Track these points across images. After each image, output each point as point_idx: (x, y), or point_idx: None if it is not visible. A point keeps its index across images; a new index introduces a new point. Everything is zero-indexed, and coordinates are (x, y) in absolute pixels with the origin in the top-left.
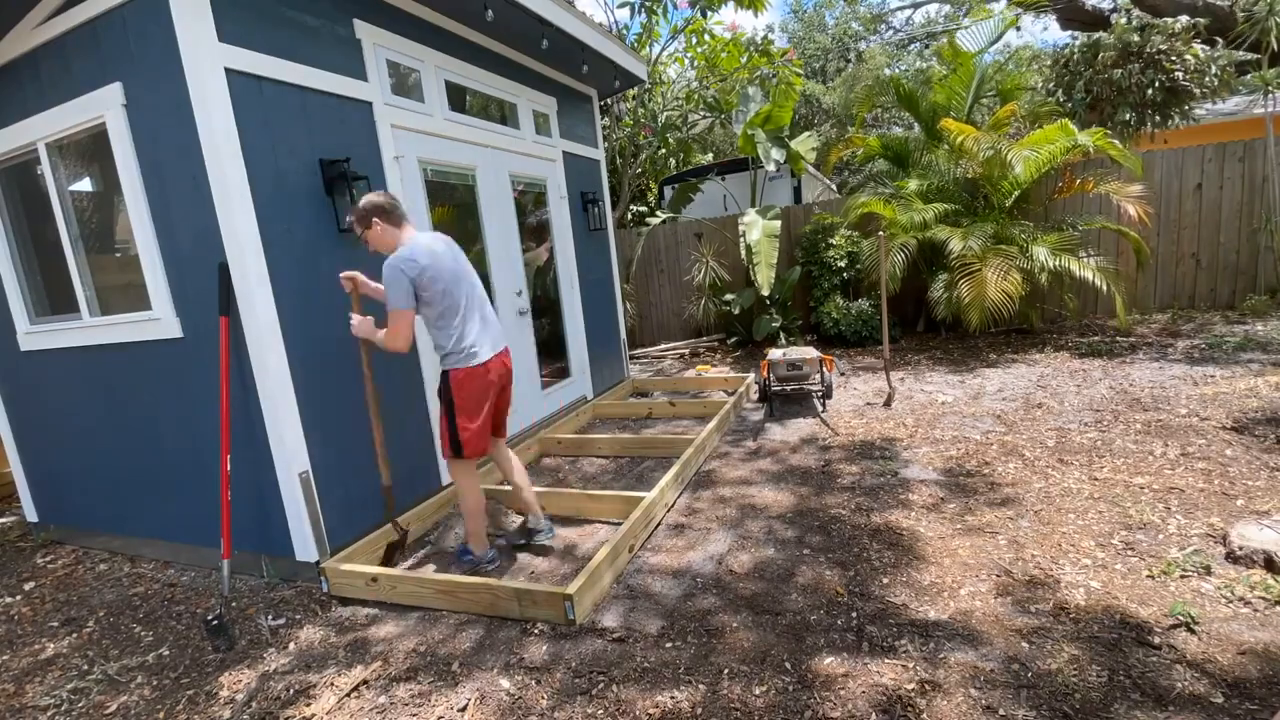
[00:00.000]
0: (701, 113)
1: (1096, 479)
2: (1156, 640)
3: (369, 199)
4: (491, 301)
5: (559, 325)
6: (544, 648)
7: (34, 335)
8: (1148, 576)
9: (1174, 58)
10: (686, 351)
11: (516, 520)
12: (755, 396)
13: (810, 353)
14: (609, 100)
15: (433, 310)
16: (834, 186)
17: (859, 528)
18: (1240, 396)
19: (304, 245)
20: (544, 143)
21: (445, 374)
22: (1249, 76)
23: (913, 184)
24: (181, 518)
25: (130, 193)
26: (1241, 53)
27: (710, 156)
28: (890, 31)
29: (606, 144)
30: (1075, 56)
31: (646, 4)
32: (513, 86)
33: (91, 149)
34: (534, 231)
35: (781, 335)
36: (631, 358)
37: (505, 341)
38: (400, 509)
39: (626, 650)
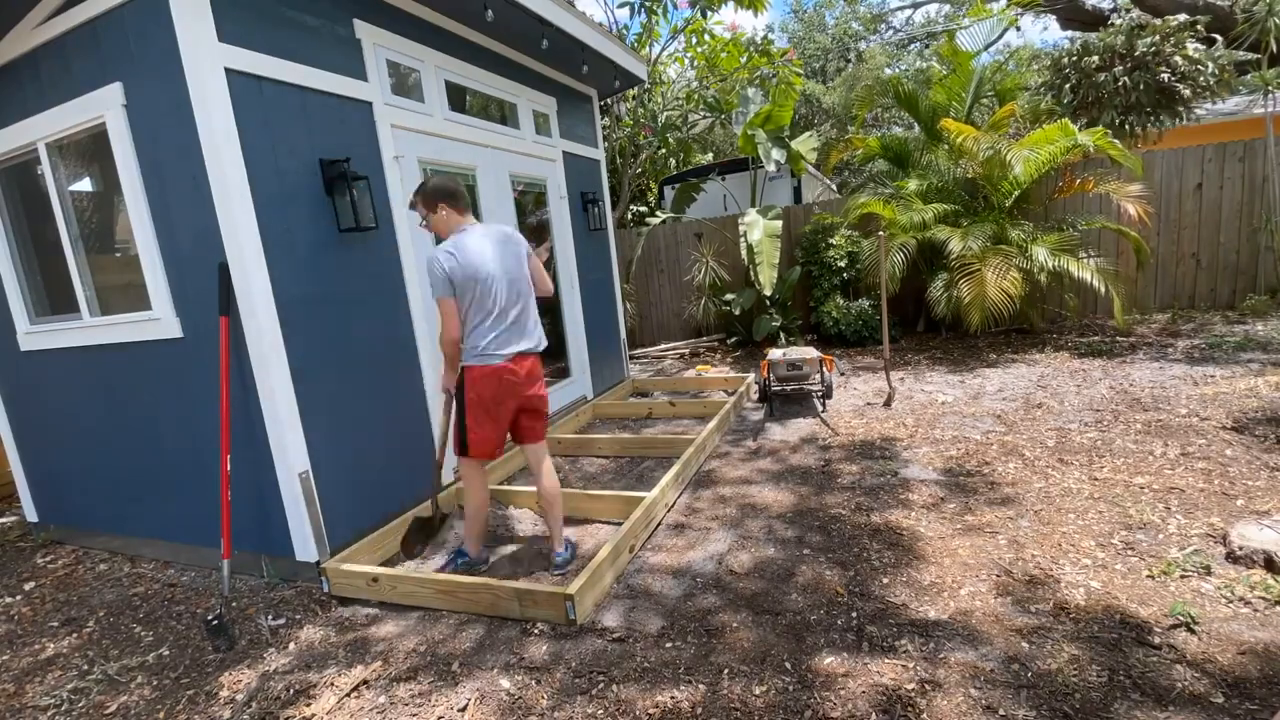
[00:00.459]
0: (701, 113)
1: (1096, 479)
2: (1156, 640)
3: (438, 182)
4: None
5: (559, 325)
6: (544, 647)
7: (34, 335)
8: (1148, 576)
9: (1161, 60)
10: (686, 351)
11: (522, 525)
12: (755, 396)
13: (810, 353)
14: (609, 100)
15: (462, 305)
16: (834, 186)
17: (859, 527)
18: (1240, 396)
19: (304, 245)
20: (544, 143)
21: (463, 370)
22: (1249, 76)
23: (912, 184)
24: (181, 518)
25: (130, 193)
26: (1241, 53)
27: (710, 156)
28: (890, 31)
29: (606, 144)
30: (1065, 60)
31: (646, 4)
32: (513, 86)
33: (91, 149)
34: (534, 231)
35: (781, 335)
36: (631, 358)
37: (537, 347)
38: (404, 509)
39: (627, 650)
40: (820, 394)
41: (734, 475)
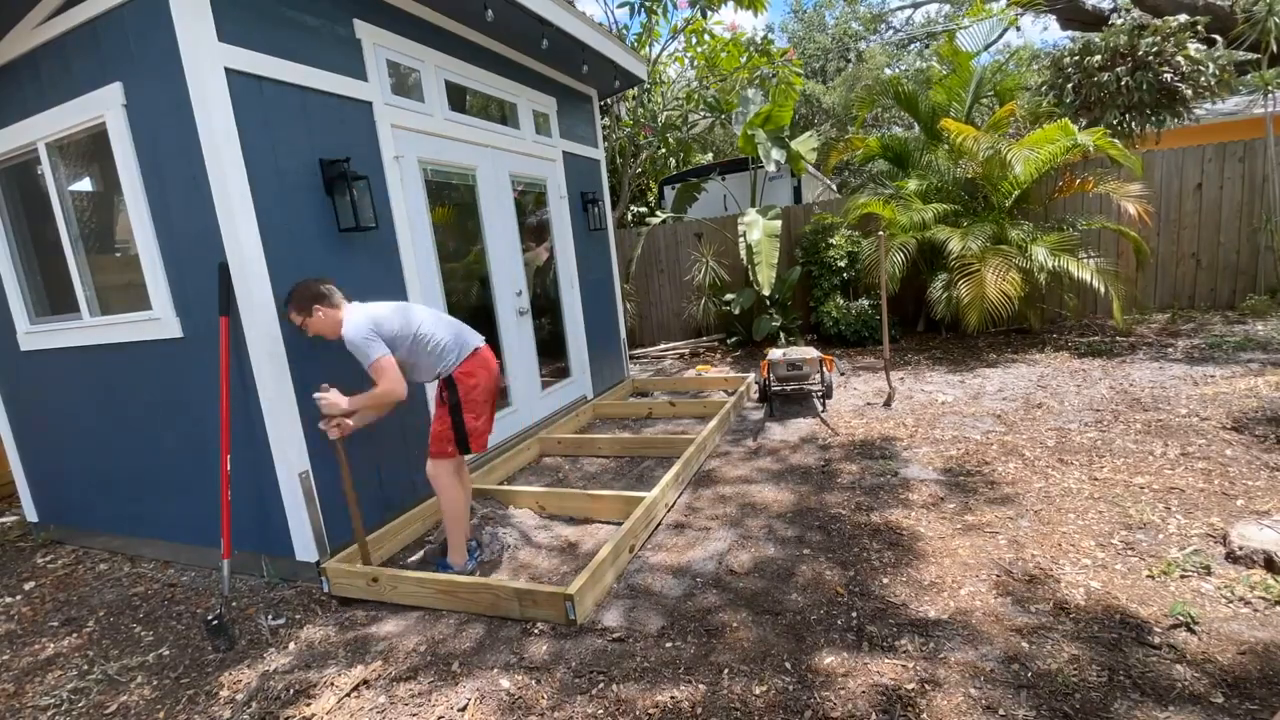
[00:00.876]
0: (701, 113)
1: (1096, 479)
2: (1156, 640)
3: (305, 287)
4: (491, 301)
5: (559, 325)
6: (544, 647)
7: (34, 335)
8: (1148, 576)
9: (1163, 60)
10: (686, 351)
11: (526, 524)
12: (755, 396)
13: (810, 353)
14: (609, 100)
15: (405, 353)
16: (834, 186)
17: (859, 527)
18: (1240, 396)
19: (304, 245)
20: (544, 143)
21: (450, 379)
22: (1249, 76)
23: (912, 184)
24: (181, 518)
25: (130, 193)
26: (1241, 53)
27: (710, 156)
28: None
29: (606, 144)
30: (1067, 59)
31: (646, 4)
32: (513, 86)
33: (91, 149)
34: (534, 231)
35: (781, 335)
36: (631, 358)
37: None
38: (403, 508)
39: (627, 649)
40: (820, 394)
41: (734, 475)
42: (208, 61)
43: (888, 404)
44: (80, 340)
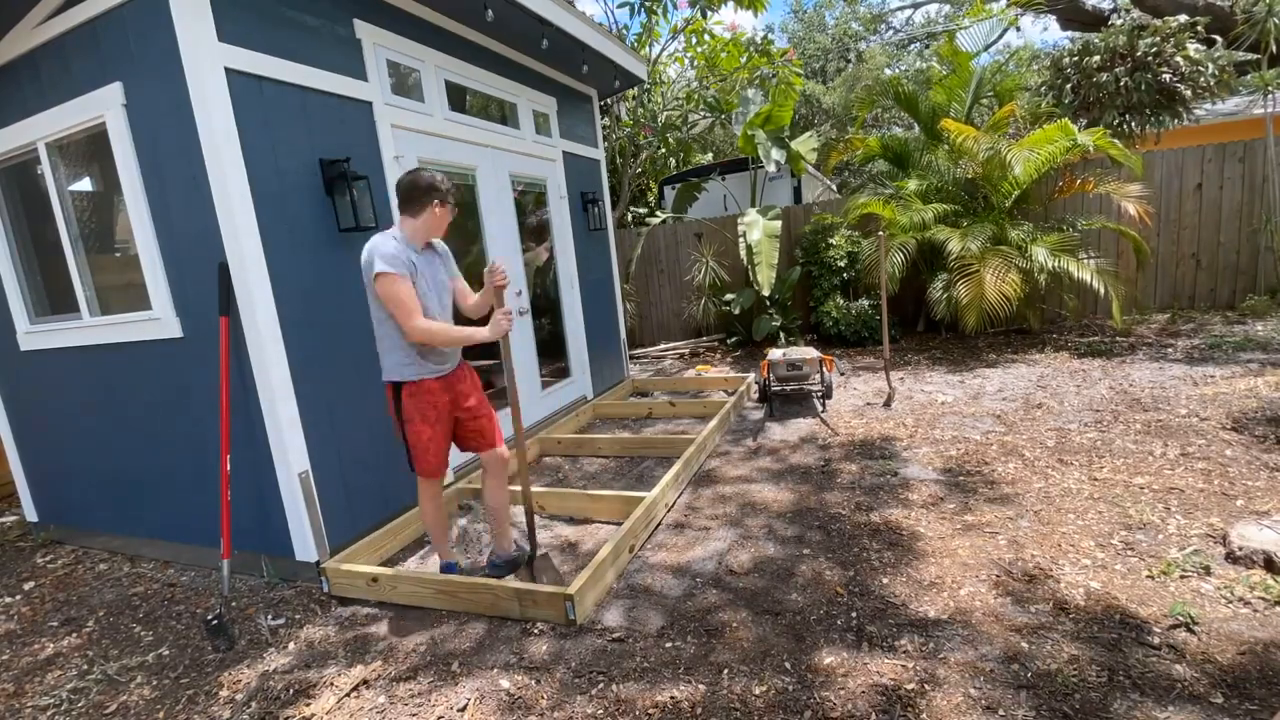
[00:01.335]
0: (701, 113)
1: (1096, 479)
2: (1156, 640)
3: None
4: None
5: (559, 325)
6: (544, 647)
7: (34, 335)
8: (1147, 577)
9: (1162, 60)
10: (686, 351)
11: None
12: (755, 396)
13: (810, 353)
14: (609, 100)
15: None
16: (834, 187)
17: (859, 527)
18: (1240, 396)
19: (304, 245)
20: (544, 143)
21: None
22: (1249, 77)
23: (912, 184)
24: (181, 518)
25: (130, 193)
26: (1241, 53)
27: (710, 156)
28: (890, 32)
29: (606, 144)
30: (1066, 60)
31: (646, 4)
32: (513, 86)
33: (91, 149)
34: (534, 231)
35: (781, 335)
36: (631, 358)
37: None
38: (411, 503)
39: (627, 649)
40: (820, 394)
41: (734, 474)
42: (208, 61)
43: (888, 404)
44: (80, 340)
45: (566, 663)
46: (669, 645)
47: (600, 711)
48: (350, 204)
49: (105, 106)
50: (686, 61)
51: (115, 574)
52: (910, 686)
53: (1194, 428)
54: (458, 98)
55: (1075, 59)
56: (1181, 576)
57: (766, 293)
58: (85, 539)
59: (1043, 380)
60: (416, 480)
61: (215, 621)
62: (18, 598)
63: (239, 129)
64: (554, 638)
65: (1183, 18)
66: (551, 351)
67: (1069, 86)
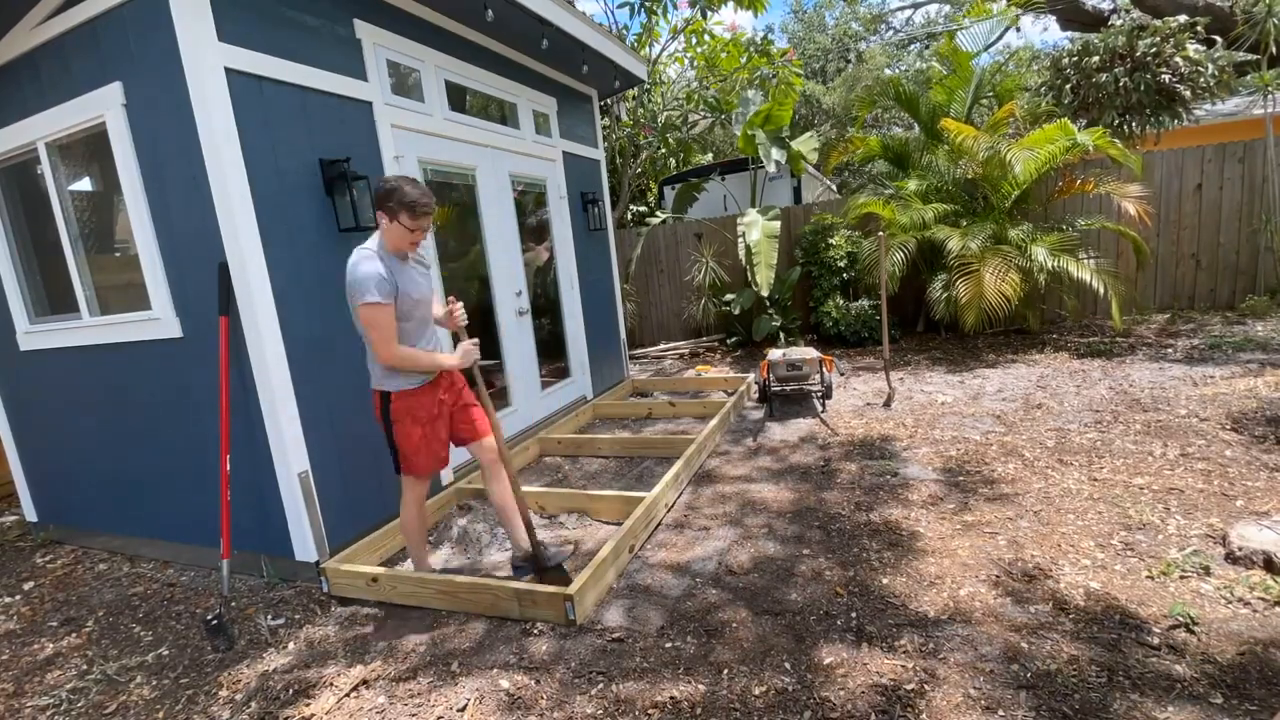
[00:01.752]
0: (701, 113)
1: (1096, 479)
2: (1156, 640)
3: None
4: (491, 301)
5: (559, 325)
6: (544, 647)
7: (34, 335)
8: (1147, 577)
9: (1162, 61)
10: (686, 351)
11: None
12: (755, 396)
13: (810, 353)
14: (609, 100)
15: None
16: (834, 187)
17: (859, 526)
18: (1239, 397)
19: (304, 245)
20: (544, 143)
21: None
22: (1249, 77)
23: (912, 184)
24: (181, 518)
25: (130, 193)
26: (1241, 54)
27: (710, 156)
28: (890, 32)
29: (606, 144)
30: (1066, 60)
31: (646, 4)
32: (513, 86)
33: (91, 149)
34: (534, 231)
35: (781, 335)
36: (631, 358)
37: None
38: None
39: (626, 649)
40: (820, 394)
41: (734, 474)
42: (208, 61)
43: (887, 404)
44: (80, 340)
45: (566, 662)
46: (669, 645)
47: (600, 711)
48: (350, 204)
49: (105, 106)
50: (686, 62)
51: (115, 574)
52: (910, 686)
53: (1194, 428)
54: (458, 98)
55: (1075, 59)
56: (1181, 577)
57: (765, 293)
58: (85, 539)
59: (1042, 380)
60: (401, 483)
61: (215, 621)
62: (17, 598)
63: (239, 129)
64: (554, 638)
65: (1182, 18)
66: (551, 351)
67: (1069, 87)
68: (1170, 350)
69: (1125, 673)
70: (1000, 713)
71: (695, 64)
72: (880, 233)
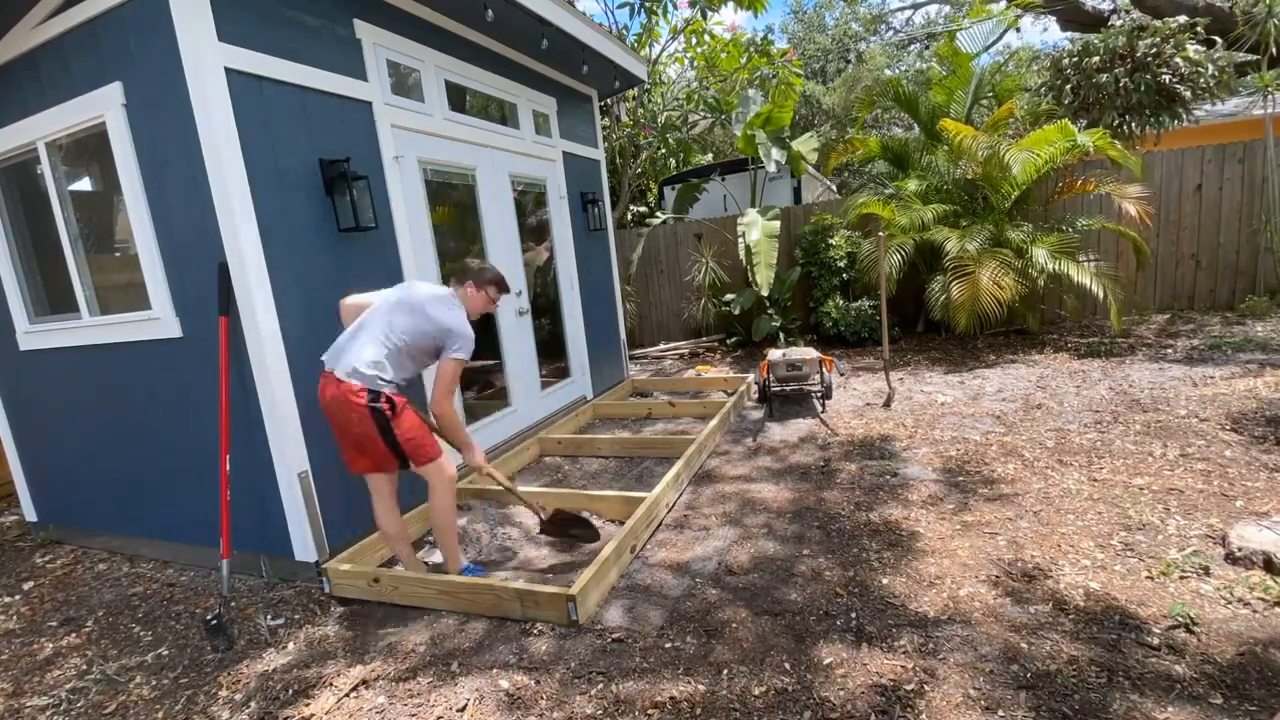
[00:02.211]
0: (701, 113)
1: (1096, 480)
2: (1155, 641)
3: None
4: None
5: (559, 325)
6: (544, 647)
7: (33, 335)
8: (1147, 577)
9: (1162, 61)
10: (686, 351)
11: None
12: (755, 397)
13: (810, 353)
14: (609, 100)
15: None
16: (834, 187)
17: (858, 526)
18: (1239, 397)
19: (304, 245)
20: (544, 143)
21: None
22: (1249, 78)
23: (912, 185)
24: (181, 518)
25: (130, 193)
26: (1241, 54)
27: (710, 157)
28: (890, 32)
29: (606, 144)
30: (1066, 60)
31: (646, 4)
32: (513, 86)
33: (91, 149)
34: (534, 231)
35: (781, 336)
36: (631, 358)
37: (343, 367)
38: (410, 503)
39: (626, 649)
40: (820, 394)
41: (734, 474)
42: (208, 61)
43: (887, 404)
44: (79, 340)
45: (566, 662)
46: (669, 645)
47: (599, 711)
48: (350, 204)
49: (105, 106)
50: (686, 62)
51: (114, 574)
52: (910, 686)
53: (1193, 428)
54: (458, 98)
55: (1075, 60)
56: (1181, 577)
57: (765, 293)
58: (84, 539)
59: (1042, 381)
60: (431, 481)
61: (215, 621)
62: (17, 597)
63: (239, 129)
64: (554, 637)
65: (1182, 18)
66: (551, 351)
67: (1069, 87)
68: (1170, 351)
69: (1125, 673)
70: (1000, 713)
71: (695, 64)
72: (880, 233)
